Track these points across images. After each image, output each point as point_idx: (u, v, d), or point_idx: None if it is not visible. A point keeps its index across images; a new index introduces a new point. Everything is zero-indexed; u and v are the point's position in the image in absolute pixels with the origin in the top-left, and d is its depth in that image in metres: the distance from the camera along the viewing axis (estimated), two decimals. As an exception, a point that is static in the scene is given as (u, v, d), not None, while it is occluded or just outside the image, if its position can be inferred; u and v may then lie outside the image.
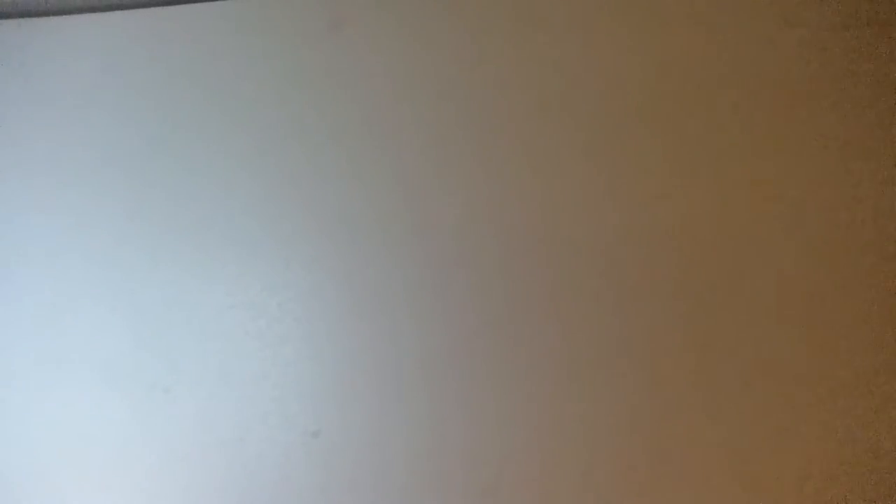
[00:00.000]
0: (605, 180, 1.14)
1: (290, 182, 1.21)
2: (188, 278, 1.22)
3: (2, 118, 1.30)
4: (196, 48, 1.27)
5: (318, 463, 1.15)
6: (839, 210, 1.09)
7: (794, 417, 1.06)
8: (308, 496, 1.15)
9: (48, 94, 1.29)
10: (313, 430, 1.16)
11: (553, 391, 1.12)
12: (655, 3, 1.16)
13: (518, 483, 1.11)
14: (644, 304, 1.11)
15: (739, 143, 1.12)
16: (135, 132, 1.26)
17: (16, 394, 1.23)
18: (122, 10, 1.30)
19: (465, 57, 1.20)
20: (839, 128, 1.11)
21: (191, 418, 1.19)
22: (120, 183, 1.25)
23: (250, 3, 1.26)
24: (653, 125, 1.14)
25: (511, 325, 1.13)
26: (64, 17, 1.31)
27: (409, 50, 1.21)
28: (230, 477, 1.17)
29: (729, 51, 1.14)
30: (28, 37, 1.31)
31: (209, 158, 1.24)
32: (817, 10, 1.13)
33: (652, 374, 1.10)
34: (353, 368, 1.16)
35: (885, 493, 1.03)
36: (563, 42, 1.18)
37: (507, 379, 1.13)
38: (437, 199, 1.18)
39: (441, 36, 1.21)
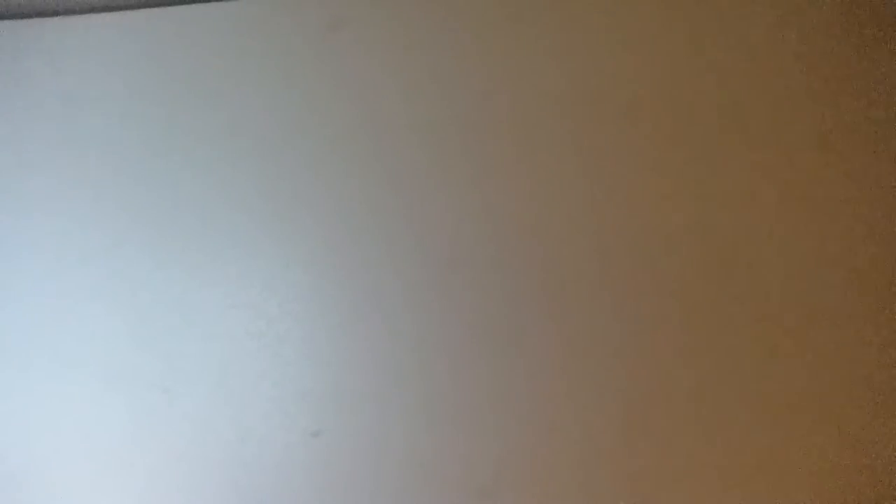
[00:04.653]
0: (603, 181, 1.14)
1: (290, 182, 1.21)
2: (188, 279, 1.22)
3: (1, 118, 1.30)
4: (196, 48, 1.27)
5: (318, 463, 1.15)
6: (838, 211, 1.09)
7: (793, 419, 1.07)
8: (308, 496, 1.15)
9: (48, 94, 1.29)
10: (313, 430, 1.16)
11: (551, 392, 1.12)
12: (653, 4, 1.17)
13: (516, 483, 1.11)
14: (641, 305, 1.11)
15: (738, 145, 1.12)
16: (135, 132, 1.26)
17: (16, 394, 1.23)
18: (122, 10, 1.30)
19: (463, 58, 1.20)
20: (839, 128, 1.11)
21: (191, 418, 1.19)
22: (120, 183, 1.25)
23: (250, 4, 1.26)
24: (650, 126, 1.14)
25: (509, 326, 1.13)
26: (64, 17, 1.31)
27: (408, 51, 1.21)
28: (230, 477, 1.17)
29: (727, 51, 1.14)
30: (28, 37, 1.31)
31: (209, 159, 1.24)
32: (816, 11, 1.13)
33: (649, 375, 1.10)
34: (353, 368, 1.17)
35: (885, 495, 1.04)
36: (561, 44, 1.18)
37: (505, 379, 1.13)
38: (435, 200, 1.18)
39: (439, 37, 1.21)
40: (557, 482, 1.10)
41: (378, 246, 1.18)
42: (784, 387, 1.07)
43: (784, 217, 1.10)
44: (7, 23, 1.32)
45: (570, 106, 1.16)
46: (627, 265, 1.12)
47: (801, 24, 1.13)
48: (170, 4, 1.28)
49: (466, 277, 1.15)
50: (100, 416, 1.21)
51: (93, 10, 1.31)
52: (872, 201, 1.09)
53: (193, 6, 1.28)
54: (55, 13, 1.32)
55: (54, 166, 1.27)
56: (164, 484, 1.18)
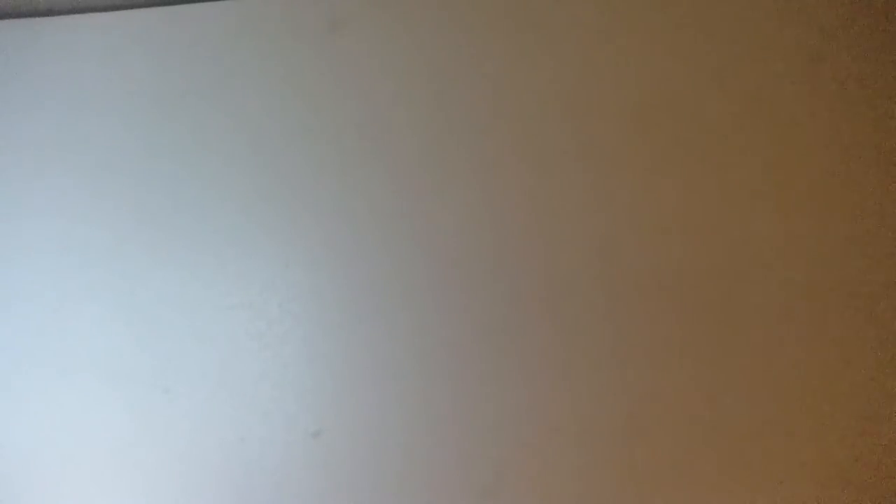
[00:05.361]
0: (602, 183, 1.14)
1: (289, 182, 1.21)
2: (188, 278, 1.22)
3: (2, 118, 1.30)
4: (196, 48, 1.27)
5: (318, 463, 1.15)
6: (838, 211, 1.09)
7: (792, 419, 1.07)
8: (308, 496, 1.15)
9: (48, 95, 1.29)
10: (313, 430, 1.16)
11: (551, 392, 1.12)
12: (651, 7, 1.17)
13: (517, 483, 1.11)
14: (640, 305, 1.11)
15: (737, 146, 1.12)
16: (134, 132, 1.26)
17: (16, 394, 1.23)
18: (122, 10, 1.30)
19: (464, 59, 1.20)
20: (839, 129, 1.11)
21: (191, 418, 1.19)
22: (120, 183, 1.25)
23: (250, 3, 1.26)
24: (649, 128, 1.14)
25: (509, 326, 1.13)
26: (64, 17, 1.31)
27: (408, 52, 1.21)
28: (230, 477, 1.17)
29: (726, 54, 1.14)
30: (28, 37, 1.31)
31: (209, 158, 1.24)
32: (819, 11, 1.13)
33: (649, 375, 1.10)
34: (353, 369, 1.17)
35: (885, 495, 1.04)
36: (560, 45, 1.18)
37: (505, 379, 1.13)
38: (435, 200, 1.18)
39: (439, 38, 1.21)
40: (557, 482, 1.10)
41: (378, 246, 1.18)
42: (785, 388, 1.07)
43: (788, 220, 1.10)
44: (7, 22, 1.32)
45: (571, 106, 1.16)
46: (627, 265, 1.12)
47: (804, 24, 1.13)
48: (170, 4, 1.28)
49: (466, 277, 1.15)
50: (100, 416, 1.21)
51: (93, 9, 1.31)
52: (879, 204, 1.09)
53: (193, 6, 1.28)
54: (55, 13, 1.32)
55: (54, 166, 1.27)
56: (163, 484, 1.18)
